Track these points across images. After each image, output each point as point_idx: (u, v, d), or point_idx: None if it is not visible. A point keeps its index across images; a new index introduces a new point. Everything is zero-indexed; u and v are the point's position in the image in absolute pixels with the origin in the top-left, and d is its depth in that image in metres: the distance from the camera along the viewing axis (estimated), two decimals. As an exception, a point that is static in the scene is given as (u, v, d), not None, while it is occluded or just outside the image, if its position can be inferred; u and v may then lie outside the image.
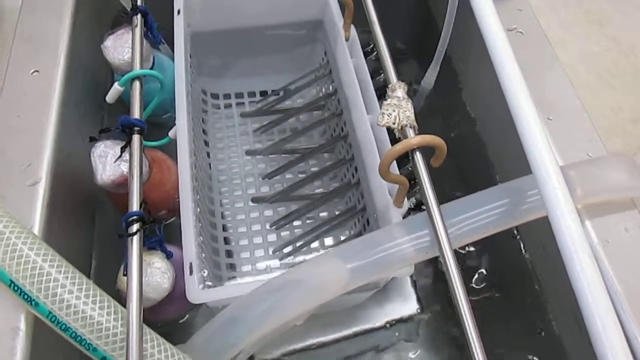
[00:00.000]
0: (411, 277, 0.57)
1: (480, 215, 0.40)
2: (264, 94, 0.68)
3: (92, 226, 0.50)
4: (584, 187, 0.42)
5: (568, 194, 0.34)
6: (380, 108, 0.42)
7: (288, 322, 0.38)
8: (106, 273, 0.46)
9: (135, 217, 0.37)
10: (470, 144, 0.59)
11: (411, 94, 0.66)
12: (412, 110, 0.42)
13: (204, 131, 0.63)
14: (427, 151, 0.40)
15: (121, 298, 0.37)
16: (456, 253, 0.57)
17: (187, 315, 0.50)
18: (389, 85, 0.44)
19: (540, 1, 1.22)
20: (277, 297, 0.37)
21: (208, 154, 0.62)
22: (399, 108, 0.42)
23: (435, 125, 0.64)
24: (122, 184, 0.42)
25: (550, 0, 1.24)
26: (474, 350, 0.33)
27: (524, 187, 0.41)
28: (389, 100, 0.42)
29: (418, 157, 0.40)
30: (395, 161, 0.49)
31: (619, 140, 1.09)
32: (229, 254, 0.57)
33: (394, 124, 0.41)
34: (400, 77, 0.74)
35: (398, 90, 0.43)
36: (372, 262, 0.37)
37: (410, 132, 0.40)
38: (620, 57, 1.19)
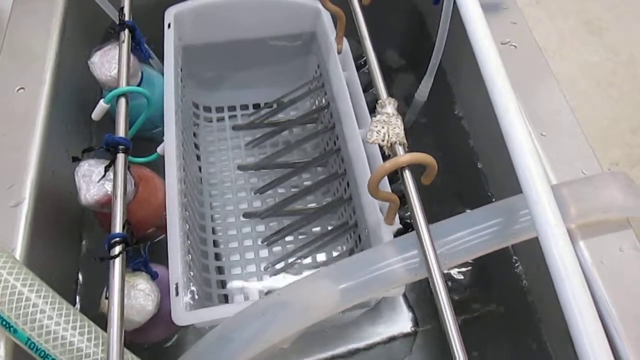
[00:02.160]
0: (404, 294, 0.56)
1: (471, 235, 0.39)
2: (256, 106, 0.67)
3: (78, 246, 0.49)
4: (577, 207, 0.41)
5: (559, 216, 0.33)
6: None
7: (275, 345, 0.38)
8: (93, 294, 0.45)
9: (117, 239, 0.36)
10: (463, 158, 0.58)
11: (404, 108, 0.66)
12: (402, 127, 0.41)
13: (195, 145, 0.62)
14: (419, 168, 0.39)
15: (105, 321, 0.36)
16: (450, 269, 0.56)
17: (175, 337, 0.49)
18: (379, 101, 0.43)
19: (539, 11, 1.21)
20: (264, 319, 0.36)
21: (200, 168, 0.61)
22: (389, 125, 0.41)
23: (429, 139, 0.63)
24: (107, 204, 0.41)
25: (549, 10, 1.24)
26: None
27: (516, 207, 0.40)
28: (378, 117, 0.42)
29: (407, 176, 0.39)
30: (387, 177, 0.48)
31: (619, 151, 1.08)
32: (220, 270, 0.56)
33: (383, 141, 0.40)
34: (396, 89, 0.73)
35: (388, 107, 0.43)
36: (362, 282, 0.36)
37: (400, 150, 0.40)
38: (619, 67, 1.18)
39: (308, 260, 0.56)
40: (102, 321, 0.37)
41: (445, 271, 0.57)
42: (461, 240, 0.39)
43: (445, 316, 0.34)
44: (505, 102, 0.38)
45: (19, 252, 0.39)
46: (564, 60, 1.21)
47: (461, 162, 0.59)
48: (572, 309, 0.31)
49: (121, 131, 0.41)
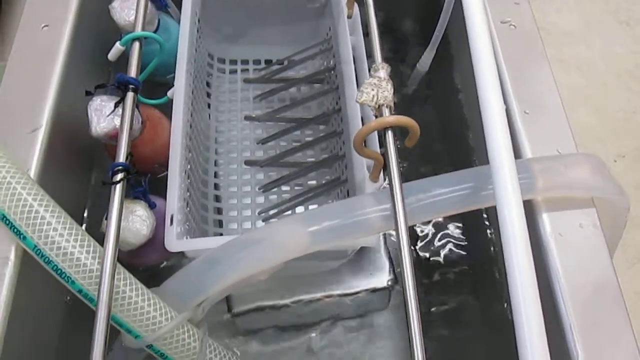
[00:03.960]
0: (387, 248, 0.60)
1: (441, 195, 0.42)
2: (268, 62, 0.70)
3: (89, 174, 0.54)
4: (545, 181, 0.44)
5: (517, 184, 0.36)
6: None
7: (252, 276, 0.42)
8: (97, 218, 0.50)
9: (120, 168, 0.41)
10: (456, 128, 0.61)
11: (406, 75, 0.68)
12: (391, 91, 0.44)
13: (208, 94, 0.66)
14: (405, 132, 0.42)
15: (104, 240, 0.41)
16: (429, 232, 0.59)
17: (166, 262, 0.54)
18: (373, 65, 0.46)
19: (568, -6, 1.20)
20: (241, 253, 0.41)
21: (209, 116, 0.65)
22: (379, 88, 0.44)
23: (428, 107, 0.66)
24: (115, 137, 0.45)
25: (579, -6, 1.22)
26: (412, 323, 0.35)
27: (487, 175, 0.43)
28: (370, 80, 0.45)
29: (389, 136, 0.42)
30: (377, 139, 0.51)
31: (629, 143, 1.08)
32: (219, 211, 0.60)
33: (371, 102, 0.43)
34: (408, 57, 0.75)
35: (380, 71, 0.45)
36: (332, 227, 0.40)
37: (386, 112, 0.43)
38: (643, 61, 1.17)
39: (300, 209, 0.60)
40: (102, 241, 0.42)
41: (420, 225, 0.60)
42: (431, 200, 0.42)
43: (405, 265, 0.37)
44: (487, 76, 0.41)
45: (33, 172, 0.43)
46: (587, 47, 1.21)
47: (454, 131, 0.61)
48: (513, 269, 0.34)
49: (133, 72, 0.45)
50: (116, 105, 0.45)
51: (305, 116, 0.66)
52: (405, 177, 0.40)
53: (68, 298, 0.48)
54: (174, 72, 0.54)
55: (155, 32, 0.55)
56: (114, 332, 0.37)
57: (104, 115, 0.45)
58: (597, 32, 1.28)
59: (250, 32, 0.70)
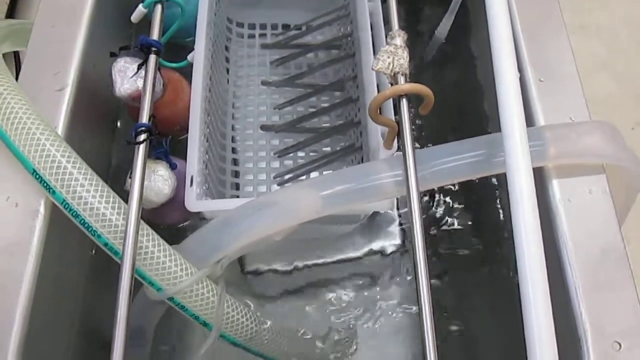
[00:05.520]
0: (399, 216, 0.61)
1: (452, 162, 0.43)
2: (286, 27, 0.71)
3: (113, 134, 0.56)
4: (557, 148, 0.44)
5: (527, 151, 0.37)
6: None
7: (267, 237, 0.44)
8: (121, 176, 0.52)
9: (143, 128, 0.42)
10: (472, 96, 0.61)
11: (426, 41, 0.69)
12: (407, 59, 0.45)
13: (226, 59, 0.67)
14: (420, 99, 0.43)
15: (127, 197, 0.43)
16: (438, 194, 0.60)
17: (187, 222, 0.56)
18: (389, 33, 0.46)
19: (589, -43, 1.17)
20: (257, 214, 0.42)
21: (227, 80, 0.66)
22: (395, 55, 0.45)
23: (445, 74, 0.66)
24: (137, 98, 0.46)
25: (602, -43, 1.19)
26: (421, 287, 0.36)
27: (498, 142, 0.44)
28: (386, 47, 0.45)
29: (404, 103, 0.43)
30: (392, 107, 0.52)
31: (647, 112, 1.07)
32: (236, 174, 0.62)
33: (387, 69, 0.44)
34: (425, 24, 0.75)
35: (397, 39, 0.46)
36: (344, 191, 0.41)
37: (401, 79, 0.44)
38: (666, 27, 1.15)
39: (315, 175, 0.62)
40: (125, 197, 0.43)
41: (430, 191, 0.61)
42: (443, 166, 0.43)
43: (415, 230, 0.38)
44: (502, 42, 0.41)
45: (60, 130, 0.45)
46: (609, 12, 1.18)
47: (469, 100, 0.62)
48: (519, 230, 0.35)
49: (155, 34, 0.46)
50: (139, 68, 0.46)
51: (321, 82, 0.67)
52: (418, 145, 0.41)
53: (94, 251, 0.51)
54: (194, 36, 0.55)
55: (176, -5, 0.56)
56: (137, 285, 0.39)
57: (128, 77, 0.46)
58: (620, -4, 1.24)
59: (269, -4, 0.70)
